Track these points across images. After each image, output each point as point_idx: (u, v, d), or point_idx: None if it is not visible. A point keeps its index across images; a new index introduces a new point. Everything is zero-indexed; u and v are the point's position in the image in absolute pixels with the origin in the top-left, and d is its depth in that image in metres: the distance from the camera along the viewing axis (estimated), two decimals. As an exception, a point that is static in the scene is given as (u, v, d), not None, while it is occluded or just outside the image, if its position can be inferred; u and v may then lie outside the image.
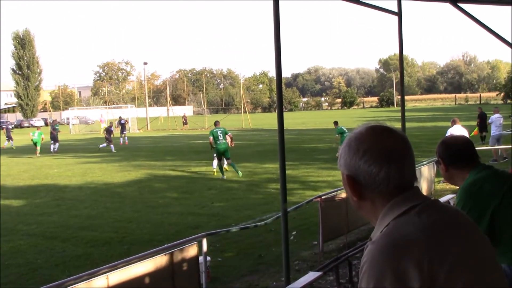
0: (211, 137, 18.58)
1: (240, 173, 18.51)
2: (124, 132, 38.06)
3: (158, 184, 17.84)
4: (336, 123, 22.94)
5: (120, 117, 40.88)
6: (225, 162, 18.63)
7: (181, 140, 38.27)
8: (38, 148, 30.62)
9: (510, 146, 17.66)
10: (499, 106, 33.07)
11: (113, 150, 30.61)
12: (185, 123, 56.82)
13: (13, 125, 58.52)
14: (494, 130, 19.59)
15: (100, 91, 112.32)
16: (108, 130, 32.31)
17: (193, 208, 13.41)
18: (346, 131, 22.33)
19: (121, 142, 36.75)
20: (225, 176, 18.17)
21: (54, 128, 33.37)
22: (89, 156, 28.87)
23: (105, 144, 31.83)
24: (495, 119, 19.65)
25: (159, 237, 10.37)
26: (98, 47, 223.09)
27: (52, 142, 32.65)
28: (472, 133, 21.42)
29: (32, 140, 31.23)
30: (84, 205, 14.34)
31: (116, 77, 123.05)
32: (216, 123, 19.31)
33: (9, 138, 38.78)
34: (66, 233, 11.23)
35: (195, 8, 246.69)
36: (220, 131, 18.58)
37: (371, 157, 1.56)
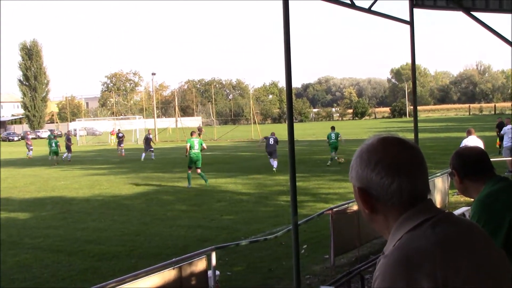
0: (188, 145, 20.35)
1: (207, 182, 19.78)
2: (122, 145, 39.65)
3: (166, 196, 17.85)
4: (332, 128, 26.91)
5: (149, 130, 40.25)
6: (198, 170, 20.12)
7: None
8: (56, 157, 33.59)
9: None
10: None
11: (153, 157, 33.34)
12: (200, 134, 56.89)
13: (19, 136, 59.21)
14: (506, 141, 19.61)
15: (108, 102, 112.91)
16: (147, 139, 34.34)
17: (202, 221, 13.39)
18: (332, 136, 25.97)
19: (119, 153, 38.66)
20: (191, 185, 19.57)
21: (68, 139, 36.64)
22: (96, 168, 28.98)
23: (144, 154, 33.75)
24: (508, 130, 19.67)
25: (167, 251, 10.36)
26: (106, 58, 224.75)
27: (67, 151, 35.77)
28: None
29: (51, 150, 34.25)
30: (91, 218, 14.37)
31: (124, 88, 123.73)
32: (192, 133, 21.04)
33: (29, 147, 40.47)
34: (73, 247, 11.24)
35: (204, 19, 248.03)
36: (197, 141, 20.40)
37: (383, 169, 1.55)
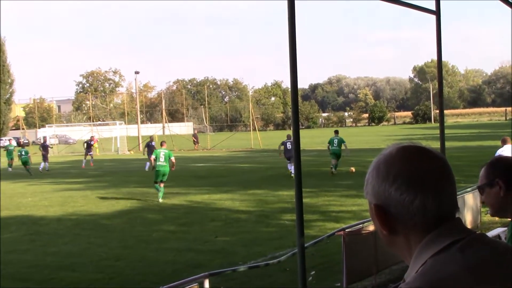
0: (153, 157, 21.62)
1: (160, 199, 20.40)
2: (91, 153, 40.49)
3: (151, 215, 17.84)
4: (336, 132, 28.47)
5: (151, 137, 40.04)
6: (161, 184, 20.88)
7: (178, 163, 38.25)
8: (28, 167, 34.78)
9: None
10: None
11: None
12: (196, 142, 56.88)
13: None
14: None
15: (84, 105, 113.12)
16: (149, 146, 34.52)
17: (193, 243, 13.39)
18: (335, 142, 27.12)
19: (83, 164, 39.54)
20: (160, 200, 20.30)
21: (44, 146, 38.39)
22: (70, 182, 28.99)
23: (148, 164, 33.25)
24: None
25: (153, 278, 10.34)
26: (82, 54, 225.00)
27: (43, 161, 37.28)
28: None
29: (20, 160, 35.37)
30: (63, 241, 14.35)
31: (102, 88, 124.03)
32: (162, 144, 22.17)
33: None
34: (42, 274, 11.22)
35: (195, 8, 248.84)
36: (163, 153, 21.28)
37: (403, 183, 1.55)
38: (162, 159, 21.05)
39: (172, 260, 11.82)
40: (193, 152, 51.91)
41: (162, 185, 20.81)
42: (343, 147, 27.15)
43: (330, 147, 27.35)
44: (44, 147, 38.21)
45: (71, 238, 14.64)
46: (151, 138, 37.96)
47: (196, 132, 60.14)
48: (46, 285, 10.48)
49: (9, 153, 39.26)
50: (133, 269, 11.28)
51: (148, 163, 34.06)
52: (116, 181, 28.36)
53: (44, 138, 42.93)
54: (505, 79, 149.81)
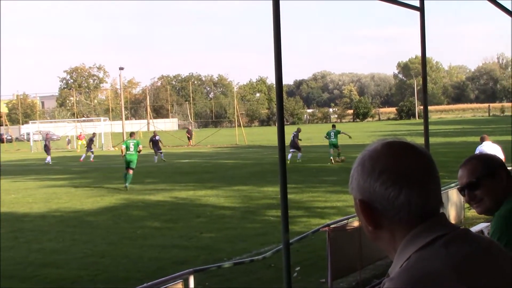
0: (124, 147, 23.96)
1: (127, 186, 22.57)
2: (92, 150, 42.04)
3: (136, 211, 17.80)
4: (333, 126, 32.91)
5: (154, 132, 42.52)
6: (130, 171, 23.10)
7: (163, 159, 38.26)
8: None
9: None
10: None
11: (163, 158, 36.99)
12: (190, 138, 56.34)
13: None
14: None
15: (67, 101, 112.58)
16: (154, 141, 38.10)
17: (178, 240, 13.37)
18: (332, 134, 30.63)
19: (82, 159, 41.28)
20: (127, 185, 22.57)
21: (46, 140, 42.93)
22: (54, 178, 28.84)
23: (156, 157, 37.46)
24: None
25: (137, 275, 10.32)
26: (65, 49, 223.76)
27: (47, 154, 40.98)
28: None
29: None
30: (47, 237, 14.28)
31: (86, 84, 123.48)
32: (131, 135, 25.12)
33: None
34: (26, 272, 11.16)
35: (180, 4, 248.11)
36: (133, 143, 23.70)
37: (388, 178, 1.55)
38: (131, 148, 23.51)
39: (156, 257, 11.80)
40: (177, 148, 51.77)
41: (130, 171, 22.98)
42: (342, 134, 31.75)
43: (328, 139, 30.85)
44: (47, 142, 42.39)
45: (55, 235, 14.56)
46: (155, 133, 39.12)
47: (189, 129, 59.48)
48: (30, 282, 10.43)
49: None
50: (117, 266, 11.25)
51: (156, 157, 37.23)
52: (100, 177, 28.25)
53: (47, 135, 45.44)
54: (488, 75, 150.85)
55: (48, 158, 40.68)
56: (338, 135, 30.75)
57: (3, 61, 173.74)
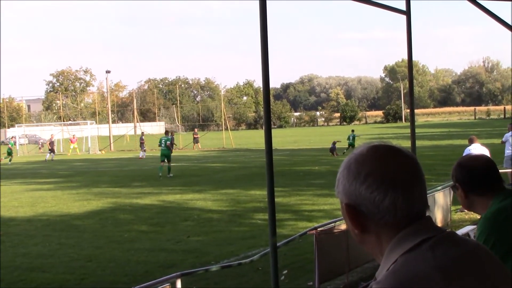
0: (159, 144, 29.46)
1: (170, 174, 27.77)
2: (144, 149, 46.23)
3: (123, 215, 17.74)
4: (352, 130, 39.99)
5: (142, 132, 50.00)
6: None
7: (150, 163, 38.18)
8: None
9: None
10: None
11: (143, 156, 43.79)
12: (196, 141, 55.13)
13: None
14: (508, 150, 19.80)
15: (54, 104, 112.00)
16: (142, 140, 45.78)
17: (166, 243, 13.33)
18: (351, 138, 37.58)
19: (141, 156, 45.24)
20: (160, 174, 27.45)
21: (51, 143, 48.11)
22: (40, 182, 28.68)
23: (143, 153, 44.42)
24: (509, 137, 19.88)
25: (124, 279, 10.29)
26: (52, 52, 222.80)
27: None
28: None
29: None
30: (33, 242, 14.20)
31: (73, 88, 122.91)
32: (166, 133, 30.24)
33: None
34: (12, 276, 11.09)
35: (166, 8, 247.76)
36: (164, 139, 28.74)
37: (374, 182, 1.56)
38: (163, 145, 28.43)
39: (144, 260, 11.76)
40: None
41: (166, 163, 27.87)
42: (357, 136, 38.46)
43: (348, 141, 37.69)
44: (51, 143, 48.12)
45: (41, 239, 14.48)
46: (172, 133, 39.38)
47: (196, 131, 58.13)
48: (16, 286, 10.37)
49: None
50: (104, 270, 11.20)
51: (143, 153, 42.62)
52: (87, 181, 28.13)
53: (51, 136, 50.61)
54: (474, 79, 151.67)
55: (51, 155, 46.75)
56: (356, 138, 37.99)
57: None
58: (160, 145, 28.95)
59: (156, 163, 37.61)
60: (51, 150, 47.40)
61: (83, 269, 11.30)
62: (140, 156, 44.74)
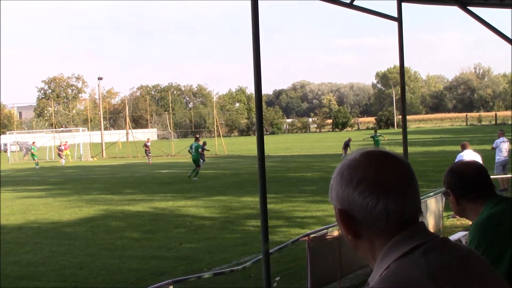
0: (189, 148, 31.32)
1: (195, 178, 28.76)
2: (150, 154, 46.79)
3: (115, 222, 17.68)
4: (375, 130, 42.94)
5: (148, 139, 51.38)
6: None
7: (142, 170, 38.12)
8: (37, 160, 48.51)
9: None
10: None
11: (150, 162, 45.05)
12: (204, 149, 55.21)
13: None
14: (499, 156, 20.04)
15: (46, 111, 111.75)
16: (146, 145, 46.73)
17: (158, 250, 13.30)
18: (377, 137, 39.72)
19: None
20: (195, 178, 28.79)
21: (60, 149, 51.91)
22: (31, 189, 28.57)
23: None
24: (500, 143, 20.11)
25: (116, 286, 10.26)
26: (44, 59, 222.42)
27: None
28: None
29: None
30: (24, 249, 14.13)
31: (65, 94, 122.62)
32: (196, 139, 31.51)
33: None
34: (3, 284, 11.03)
35: (158, 13, 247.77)
36: (194, 145, 30.22)
37: (367, 187, 1.55)
38: (193, 151, 30.03)
39: (135, 268, 11.72)
40: (158, 158, 51.50)
41: (198, 168, 29.50)
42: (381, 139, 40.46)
43: (372, 140, 40.11)
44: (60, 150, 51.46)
45: (32, 246, 14.41)
46: (204, 143, 39.93)
47: (198, 136, 58.14)
48: (7, 294, 10.31)
49: None
50: (96, 278, 11.15)
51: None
52: (79, 188, 28.04)
53: (61, 143, 53.99)
54: (465, 85, 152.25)
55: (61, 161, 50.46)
56: (378, 139, 39.88)
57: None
58: (190, 151, 30.46)
59: (149, 170, 37.62)
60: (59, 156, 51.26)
61: (74, 277, 11.25)
62: (149, 162, 45.42)
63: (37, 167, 46.87)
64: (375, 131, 42.51)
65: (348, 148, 38.07)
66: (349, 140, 39.34)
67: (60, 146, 52.56)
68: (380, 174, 1.57)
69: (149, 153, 46.39)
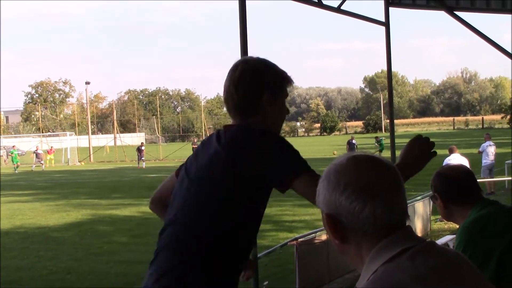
0: None
1: None
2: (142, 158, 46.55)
3: (102, 226, 17.62)
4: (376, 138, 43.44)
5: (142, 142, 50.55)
6: None
7: (130, 174, 38.02)
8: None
9: (507, 178, 18.12)
10: (505, 131, 33.77)
11: (144, 167, 44.19)
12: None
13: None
14: (486, 160, 20.24)
15: (33, 116, 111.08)
16: (140, 149, 45.97)
17: (145, 255, 13.21)
18: (382, 141, 40.89)
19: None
20: None
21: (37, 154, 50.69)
22: (18, 194, 28.40)
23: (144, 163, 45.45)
24: (486, 147, 20.31)
25: (103, 291, 10.21)
26: (30, 63, 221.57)
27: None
28: None
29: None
30: (11, 254, 14.03)
31: (52, 99, 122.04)
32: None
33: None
34: (-10, 289, 10.97)
35: (145, 15, 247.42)
36: None
37: (353, 192, 1.56)
38: None
39: (123, 273, 11.68)
40: (146, 162, 51.33)
41: None
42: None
43: (379, 147, 40.66)
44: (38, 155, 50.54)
45: (19, 252, 14.33)
46: (142, 143, 40.90)
47: (195, 140, 58.40)
48: (-7, 300, 10.26)
49: None
50: (83, 282, 11.11)
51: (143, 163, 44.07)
52: (66, 192, 27.91)
53: (37, 147, 52.64)
54: (452, 89, 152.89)
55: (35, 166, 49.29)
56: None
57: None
58: None
59: (136, 174, 37.53)
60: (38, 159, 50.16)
61: (62, 282, 11.19)
62: (143, 167, 45.01)
63: (16, 171, 46.21)
64: (377, 137, 44.57)
65: (355, 147, 40.11)
66: (352, 139, 41.90)
67: (36, 150, 51.56)
68: (366, 179, 1.57)
69: (142, 157, 45.96)
